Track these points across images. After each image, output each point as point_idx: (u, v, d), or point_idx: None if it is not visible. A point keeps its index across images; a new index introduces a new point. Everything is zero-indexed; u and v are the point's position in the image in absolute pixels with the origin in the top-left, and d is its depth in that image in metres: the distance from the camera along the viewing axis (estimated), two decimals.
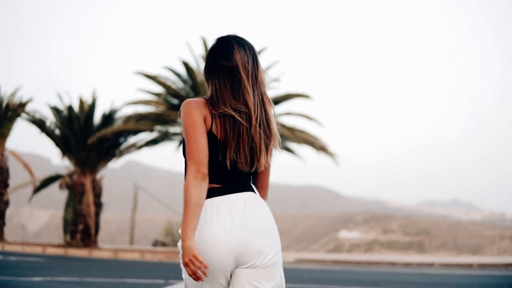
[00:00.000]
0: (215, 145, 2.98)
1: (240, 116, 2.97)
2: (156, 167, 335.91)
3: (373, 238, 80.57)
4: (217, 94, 3.01)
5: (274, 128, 3.10)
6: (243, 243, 2.95)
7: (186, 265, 2.82)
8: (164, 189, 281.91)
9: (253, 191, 3.12)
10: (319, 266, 23.78)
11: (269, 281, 3.02)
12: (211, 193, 3.00)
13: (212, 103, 3.01)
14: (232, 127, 2.97)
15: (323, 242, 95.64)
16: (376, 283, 14.65)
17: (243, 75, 3.03)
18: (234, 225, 2.95)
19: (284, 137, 28.84)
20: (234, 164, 3.00)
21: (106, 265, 20.16)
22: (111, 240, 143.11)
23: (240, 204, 3.01)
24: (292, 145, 30.20)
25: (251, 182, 3.15)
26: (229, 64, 3.03)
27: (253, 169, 3.05)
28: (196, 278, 2.83)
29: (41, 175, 36.30)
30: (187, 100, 3.03)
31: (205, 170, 2.92)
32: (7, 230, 36.11)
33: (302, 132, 28.51)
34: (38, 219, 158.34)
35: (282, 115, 28.64)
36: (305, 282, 13.97)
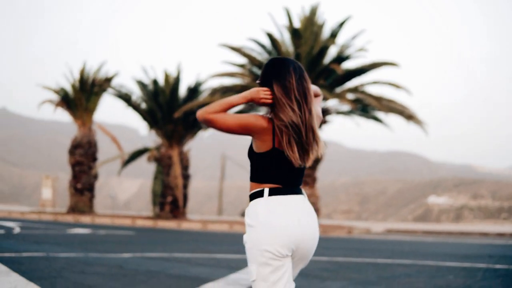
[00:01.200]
0: (275, 151, 3.42)
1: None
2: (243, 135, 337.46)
3: (462, 203, 79.06)
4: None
5: (318, 135, 3.55)
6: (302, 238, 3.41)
7: (259, 93, 3.45)
8: None
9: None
10: (409, 237, 23.26)
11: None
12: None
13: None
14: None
15: (412, 208, 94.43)
16: (470, 257, 14.11)
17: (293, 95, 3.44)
18: (295, 220, 3.39)
19: (371, 107, 28.28)
20: (290, 166, 3.46)
21: (195, 237, 20.17)
22: (200, 208, 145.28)
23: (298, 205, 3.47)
24: (380, 114, 29.61)
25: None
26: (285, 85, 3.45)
27: (305, 165, 3.47)
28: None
29: (129, 146, 37.03)
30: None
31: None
32: (98, 200, 36.89)
33: (390, 101, 27.85)
34: (128, 189, 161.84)
35: (369, 84, 28.04)
36: (396, 257, 13.57)
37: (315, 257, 12.97)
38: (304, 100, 3.45)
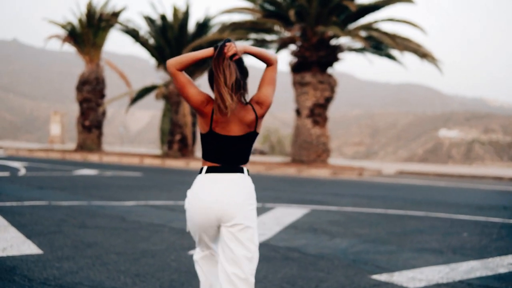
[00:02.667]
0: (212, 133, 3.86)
1: None
2: (252, 66, 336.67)
3: (473, 137, 78.74)
4: None
5: None
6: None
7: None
8: None
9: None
10: (421, 181, 22.87)
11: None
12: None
13: None
14: None
15: (422, 141, 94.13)
16: (484, 208, 13.73)
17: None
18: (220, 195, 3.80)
19: (384, 44, 27.60)
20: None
21: None
22: None
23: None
24: (393, 52, 28.96)
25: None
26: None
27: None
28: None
29: (140, 77, 36.81)
30: None
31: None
32: (109, 130, 36.68)
33: (404, 39, 27.14)
34: (140, 120, 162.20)
35: (383, 21, 27.28)
36: (408, 207, 13.19)
37: (324, 206, 12.63)
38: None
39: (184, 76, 3.71)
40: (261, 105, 3.86)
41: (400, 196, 16.03)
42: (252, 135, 3.84)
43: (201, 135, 3.86)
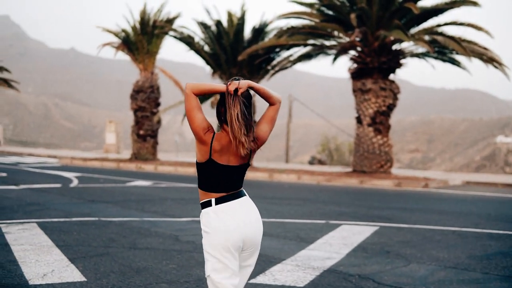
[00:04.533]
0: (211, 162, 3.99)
1: None
2: (308, 73, 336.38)
3: None
4: None
5: None
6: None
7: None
8: (317, 95, 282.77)
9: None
10: (490, 193, 21.66)
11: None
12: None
13: None
14: None
15: (480, 147, 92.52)
16: None
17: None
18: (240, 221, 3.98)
19: (448, 49, 26.51)
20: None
21: (261, 192, 19.03)
22: (266, 146, 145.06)
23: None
24: (456, 56, 27.82)
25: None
26: None
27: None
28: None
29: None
30: None
31: None
32: (165, 138, 36.38)
33: (469, 42, 25.96)
34: None
35: (447, 24, 26.13)
36: (484, 225, 12.11)
37: (394, 224, 11.70)
38: None
39: (196, 101, 3.89)
40: (257, 141, 4.00)
41: (473, 211, 14.88)
42: (246, 166, 4.04)
43: (199, 164, 3.99)
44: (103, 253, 8.12)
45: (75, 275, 6.85)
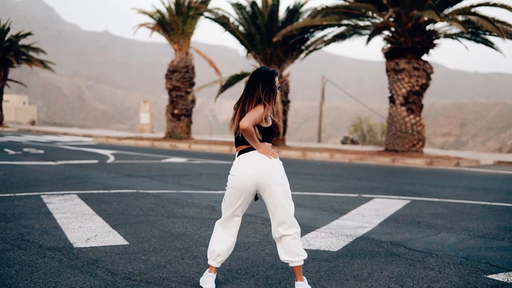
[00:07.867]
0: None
1: None
2: (342, 56, 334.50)
3: None
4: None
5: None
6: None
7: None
8: (350, 78, 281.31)
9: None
10: None
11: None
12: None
13: None
14: None
15: None
16: None
17: None
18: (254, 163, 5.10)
19: (484, 29, 26.35)
20: None
21: (294, 169, 19.23)
22: (298, 128, 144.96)
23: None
24: (490, 37, 27.64)
25: None
26: None
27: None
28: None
29: (229, 67, 36.51)
30: None
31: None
32: (198, 120, 36.68)
33: (503, 23, 25.81)
34: (228, 109, 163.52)
35: (481, 5, 25.97)
36: None
37: (425, 198, 11.87)
38: None
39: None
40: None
41: (504, 188, 15.00)
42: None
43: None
44: (143, 221, 8.39)
45: (118, 239, 7.11)
